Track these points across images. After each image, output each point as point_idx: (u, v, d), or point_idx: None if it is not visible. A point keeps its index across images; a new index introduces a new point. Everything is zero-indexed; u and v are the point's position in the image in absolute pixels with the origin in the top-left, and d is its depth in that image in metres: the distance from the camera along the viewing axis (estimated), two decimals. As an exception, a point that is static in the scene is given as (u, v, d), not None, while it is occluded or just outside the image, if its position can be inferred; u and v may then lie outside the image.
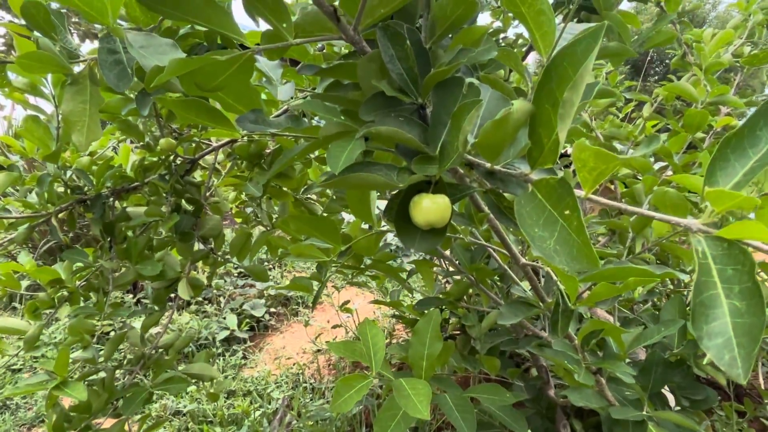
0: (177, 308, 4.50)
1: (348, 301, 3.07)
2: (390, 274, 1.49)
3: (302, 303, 5.09)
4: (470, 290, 1.84)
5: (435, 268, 1.92)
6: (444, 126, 0.75)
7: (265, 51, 0.81)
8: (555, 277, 1.32)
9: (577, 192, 0.63)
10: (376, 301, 2.15)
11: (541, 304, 1.30)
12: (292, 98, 1.30)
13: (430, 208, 0.74)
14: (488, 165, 0.73)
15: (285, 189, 1.75)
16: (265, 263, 5.67)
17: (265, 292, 5.07)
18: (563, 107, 0.64)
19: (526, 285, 1.56)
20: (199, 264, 3.11)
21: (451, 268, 1.93)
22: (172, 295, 1.78)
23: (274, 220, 1.83)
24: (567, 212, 0.62)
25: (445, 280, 2.91)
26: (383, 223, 1.34)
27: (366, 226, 1.55)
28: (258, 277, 1.68)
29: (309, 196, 1.81)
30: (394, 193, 0.80)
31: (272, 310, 4.82)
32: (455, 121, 0.71)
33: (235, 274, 5.47)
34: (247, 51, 0.79)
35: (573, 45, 0.61)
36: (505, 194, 0.79)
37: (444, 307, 1.83)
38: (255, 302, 4.73)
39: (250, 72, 0.82)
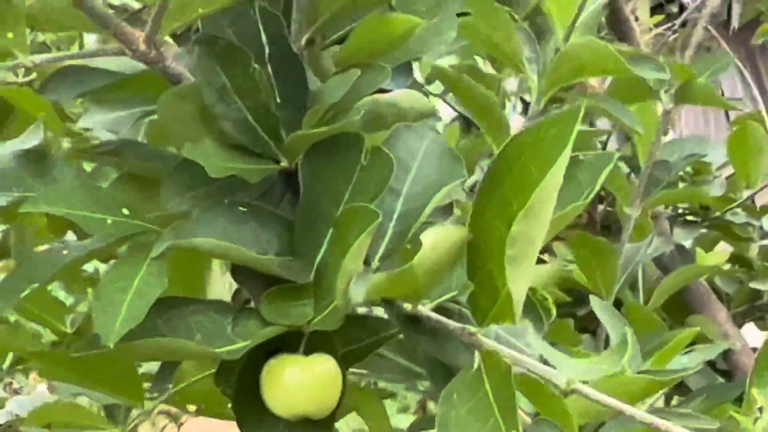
0: None
1: None
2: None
3: None
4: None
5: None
6: (326, 223, 0.39)
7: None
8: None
9: None
10: None
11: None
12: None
13: (301, 384, 0.38)
14: (406, 306, 0.38)
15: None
16: None
17: None
18: (514, 245, 0.30)
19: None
20: None
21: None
22: None
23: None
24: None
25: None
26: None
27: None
28: None
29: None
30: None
31: None
32: (341, 233, 0.36)
33: None
34: None
35: (545, 127, 0.27)
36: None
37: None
38: None
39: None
